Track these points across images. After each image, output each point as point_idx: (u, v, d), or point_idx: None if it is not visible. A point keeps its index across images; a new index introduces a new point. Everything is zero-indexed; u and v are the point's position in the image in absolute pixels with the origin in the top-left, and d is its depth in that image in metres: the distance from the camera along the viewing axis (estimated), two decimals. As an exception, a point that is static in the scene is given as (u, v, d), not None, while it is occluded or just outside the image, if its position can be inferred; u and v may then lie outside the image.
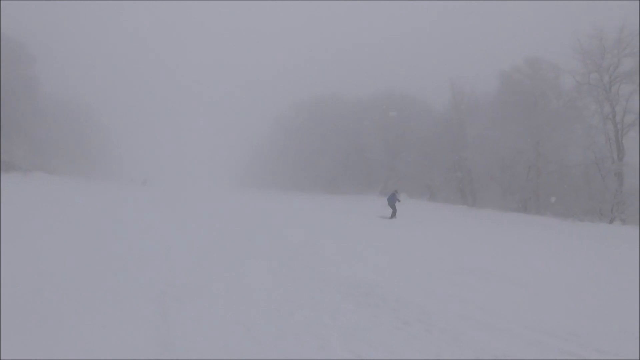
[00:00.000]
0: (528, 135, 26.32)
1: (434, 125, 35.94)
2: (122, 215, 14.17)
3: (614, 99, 22.08)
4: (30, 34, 41.19)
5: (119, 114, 67.69)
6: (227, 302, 5.30)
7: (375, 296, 5.97)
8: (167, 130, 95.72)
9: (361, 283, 6.62)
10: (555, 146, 25.63)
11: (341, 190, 45.46)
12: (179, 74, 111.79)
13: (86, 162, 52.06)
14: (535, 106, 26.37)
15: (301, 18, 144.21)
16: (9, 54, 34.24)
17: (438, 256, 9.92)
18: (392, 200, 19.23)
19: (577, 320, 5.43)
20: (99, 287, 5.51)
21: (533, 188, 26.86)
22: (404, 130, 39.69)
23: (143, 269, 6.66)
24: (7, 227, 9.02)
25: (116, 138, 64.85)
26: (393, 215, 19.10)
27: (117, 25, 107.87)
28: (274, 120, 60.65)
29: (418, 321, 5.00)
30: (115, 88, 74.22)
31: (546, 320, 5.36)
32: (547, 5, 61.47)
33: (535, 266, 9.50)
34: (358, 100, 45.99)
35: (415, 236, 14.35)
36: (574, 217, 21.55)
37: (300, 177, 51.56)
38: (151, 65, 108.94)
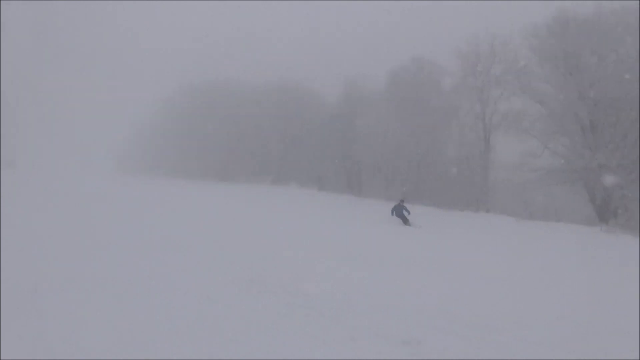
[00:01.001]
0: (411, 131, 28.11)
1: (327, 117, 36.84)
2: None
3: (484, 100, 24.49)
4: None
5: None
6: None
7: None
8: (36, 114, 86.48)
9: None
10: (435, 143, 27.73)
11: (233, 178, 44.73)
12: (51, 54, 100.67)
13: None
14: (419, 104, 28.24)
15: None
16: None
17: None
18: (399, 211, 17.80)
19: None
20: None
21: (414, 180, 28.73)
22: (297, 120, 40.11)
23: None
24: None
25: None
26: (406, 223, 17.43)
27: None
28: (162, 103, 57.63)
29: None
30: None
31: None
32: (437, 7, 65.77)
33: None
34: (252, 88, 45.39)
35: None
36: (447, 207, 23.49)
37: (190, 164, 49.70)
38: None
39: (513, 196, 23.36)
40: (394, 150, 29.43)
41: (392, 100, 30.50)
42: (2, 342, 3.54)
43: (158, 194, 22.63)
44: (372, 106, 33.20)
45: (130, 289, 5.32)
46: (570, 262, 10.49)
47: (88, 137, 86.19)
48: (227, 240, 9.49)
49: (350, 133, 33.75)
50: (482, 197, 23.81)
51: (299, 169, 40.51)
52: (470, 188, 24.88)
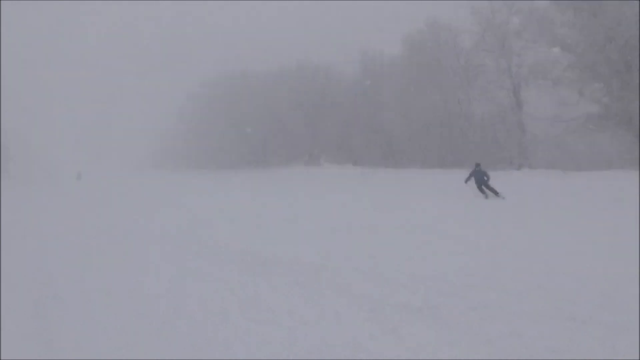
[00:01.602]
0: (436, 95, 27.68)
1: (350, 93, 36.62)
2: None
3: (507, 55, 23.72)
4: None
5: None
6: None
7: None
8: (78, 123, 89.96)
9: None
10: (462, 103, 27.26)
11: (266, 164, 45.57)
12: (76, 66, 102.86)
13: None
14: (440, 67, 27.64)
15: None
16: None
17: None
18: (480, 178, 15.51)
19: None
20: None
21: (447, 144, 28.50)
22: (321, 100, 40.06)
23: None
24: None
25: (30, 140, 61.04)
26: (491, 192, 15.15)
27: None
28: (186, 99, 58.93)
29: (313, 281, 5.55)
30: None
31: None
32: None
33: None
34: (269, 74, 45.47)
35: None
36: (488, 168, 23.26)
37: (221, 155, 50.85)
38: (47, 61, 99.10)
39: (551, 149, 22.89)
40: (422, 116, 29.14)
41: (411, 66, 29.92)
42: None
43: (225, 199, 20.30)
44: (392, 75, 32.74)
45: None
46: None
47: (129, 132, 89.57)
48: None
49: (375, 105, 33.51)
50: (521, 153, 23.47)
51: (331, 148, 40.74)
52: (508, 146, 24.49)
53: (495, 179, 16.06)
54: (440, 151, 28.89)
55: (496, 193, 14.83)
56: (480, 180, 15.38)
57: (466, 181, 16.06)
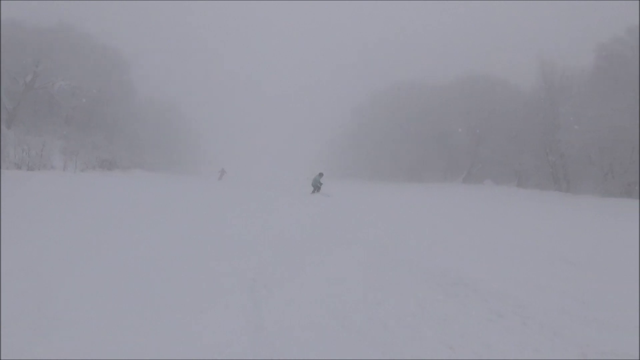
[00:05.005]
0: (632, 112, 23.84)
1: (522, 107, 33.81)
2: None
3: None
4: (121, 40, 44.51)
5: (201, 113, 71.88)
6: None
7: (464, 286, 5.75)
8: (247, 127, 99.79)
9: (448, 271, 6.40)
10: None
11: (423, 178, 44.46)
12: (252, 73, 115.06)
13: (178, 159, 55.69)
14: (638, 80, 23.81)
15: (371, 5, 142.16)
16: (106, 61, 37.47)
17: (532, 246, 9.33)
18: (316, 181, 21.90)
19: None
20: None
21: (639, 170, 24.35)
22: (489, 114, 37.83)
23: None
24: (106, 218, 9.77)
25: (202, 135, 68.77)
26: (315, 191, 21.70)
27: (185, 26, 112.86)
28: (352, 110, 60.57)
29: (514, 314, 4.73)
30: (196, 88, 78.35)
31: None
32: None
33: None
34: (438, 86, 44.47)
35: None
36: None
37: (381, 166, 51.03)
38: (225, 65, 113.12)
39: None
40: (609, 136, 25.38)
41: (603, 78, 26.35)
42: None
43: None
44: (576, 88, 29.30)
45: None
46: None
47: (293, 151, 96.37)
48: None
49: (551, 122, 30.32)
50: None
51: (493, 165, 38.12)
52: None
53: None
54: (629, 178, 24.78)
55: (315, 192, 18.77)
56: (316, 181, 20.26)
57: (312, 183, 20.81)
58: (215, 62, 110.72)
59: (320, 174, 22.68)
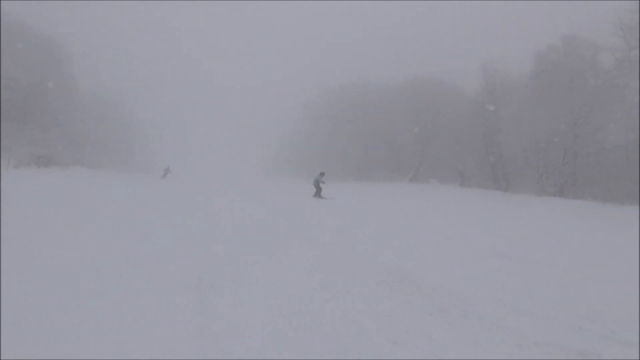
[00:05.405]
0: (564, 117, 25.42)
1: (466, 109, 35.19)
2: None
3: (657, 76, 21.09)
4: (65, 33, 42.33)
5: (150, 109, 69.55)
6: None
7: (409, 282, 5.95)
8: (198, 124, 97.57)
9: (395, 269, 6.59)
10: (593, 128, 24.75)
11: (372, 177, 45.24)
12: (206, 70, 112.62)
13: (125, 156, 53.65)
14: (572, 86, 25.41)
15: (325, 5, 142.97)
16: (47, 54, 35.48)
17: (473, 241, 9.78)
18: (317, 182, 20.84)
19: (619, 303, 5.27)
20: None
21: (570, 171, 26.01)
22: (434, 115, 39.04)
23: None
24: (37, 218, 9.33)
25: (153, 132, 66.65)
26: (317, 194, 20.57)
27: (140, 21, 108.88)
28: (302, 108, 60.59)
29: (455, 307, 4.95)
30: (145, 84, 75.71)
31: (584, 303, 5.24)
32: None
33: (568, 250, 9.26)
34: (386, 86, 45.38)
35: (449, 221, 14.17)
36: (614, 201, 20.79)
37: (331, 165, 51.32)
38: (177, 61, 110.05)
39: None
40: (544, 139, 26.94)
41: (539, 84, 27.90)
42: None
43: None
44: (516, 93, 30.85)
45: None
46: None
47: (243, 148, 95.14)
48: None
49: (493, 124, 31.77)
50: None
51: (438, 165, 39.41)
52: (641, 179, 21.62)
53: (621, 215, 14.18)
54: (561, 179, 26.40)
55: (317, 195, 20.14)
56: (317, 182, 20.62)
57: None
58: (169, 60, 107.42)
59: (322, 174, 21.31)
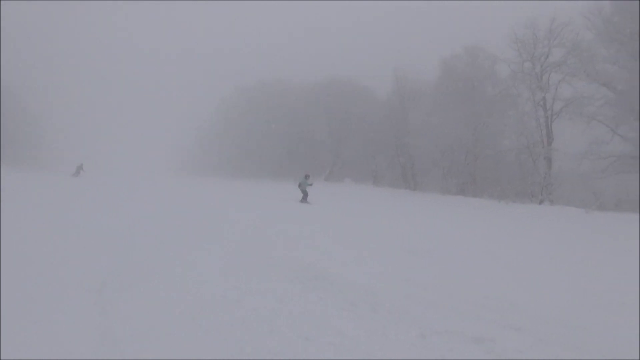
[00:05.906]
0: (467, 122, 27.35)
1: (378, 112, 36.56)
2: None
3: (544, 86, 23.36)
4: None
5: (54, 104, 64.51)
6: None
7: (323, 279, 6.03)
8: (108, 119, 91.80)
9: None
10: (491, 132, 26.93)
11: (287, 176, 45.29)
12: (117, 62, 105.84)
13: (28, 153, 49.04)
14: (473, 93, 27.40)
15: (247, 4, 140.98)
16: None
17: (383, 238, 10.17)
18: (304, 185, 20.06)
19: (512, 291, 5.76)
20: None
21: (470, 172, 28.04)
22: (349, 116, 40.08)
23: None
24: None
25: (53, 127, 61.71)
26: (304, 199, 19.83)
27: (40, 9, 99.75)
28: (217, 104, 59.22)
29: (365, 302, 5.09)
30: (48, 77, 69.69)
31: (482, 293, 5.66)
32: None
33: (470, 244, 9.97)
34: (303, 86, 45.79)
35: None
36: (507, 199, 22.74)
37: (245, 163, 50.64)
38: (87, 53, 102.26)
39: (578, 187, 22.17)
40: (448, 142, 28.79)
41: (445, 90, 29.75)
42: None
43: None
44: (424, 98, 32.59)
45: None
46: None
47: (151, 139, 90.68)
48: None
49: (402, 126, 33.31)
50: (546, 188, 22.78)
51: (353, 165, 40.53)
52: (532, 179, 23.92)
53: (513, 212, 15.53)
54: (463, 179, 28.40)
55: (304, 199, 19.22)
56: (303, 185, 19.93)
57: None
58: (84, 54, 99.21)
59: (307, 176, 20.54)
